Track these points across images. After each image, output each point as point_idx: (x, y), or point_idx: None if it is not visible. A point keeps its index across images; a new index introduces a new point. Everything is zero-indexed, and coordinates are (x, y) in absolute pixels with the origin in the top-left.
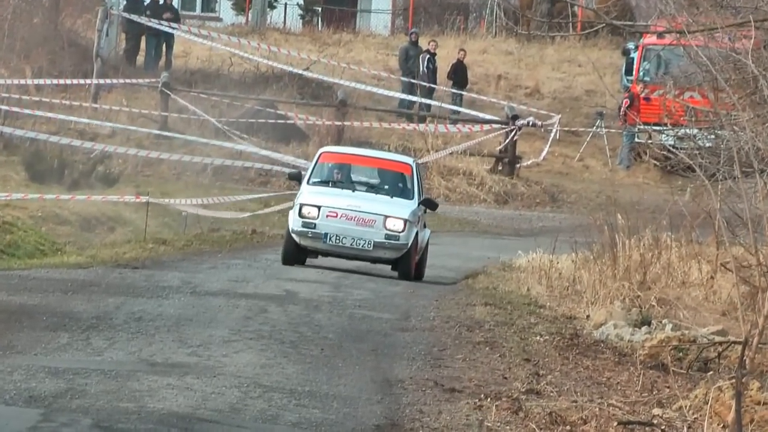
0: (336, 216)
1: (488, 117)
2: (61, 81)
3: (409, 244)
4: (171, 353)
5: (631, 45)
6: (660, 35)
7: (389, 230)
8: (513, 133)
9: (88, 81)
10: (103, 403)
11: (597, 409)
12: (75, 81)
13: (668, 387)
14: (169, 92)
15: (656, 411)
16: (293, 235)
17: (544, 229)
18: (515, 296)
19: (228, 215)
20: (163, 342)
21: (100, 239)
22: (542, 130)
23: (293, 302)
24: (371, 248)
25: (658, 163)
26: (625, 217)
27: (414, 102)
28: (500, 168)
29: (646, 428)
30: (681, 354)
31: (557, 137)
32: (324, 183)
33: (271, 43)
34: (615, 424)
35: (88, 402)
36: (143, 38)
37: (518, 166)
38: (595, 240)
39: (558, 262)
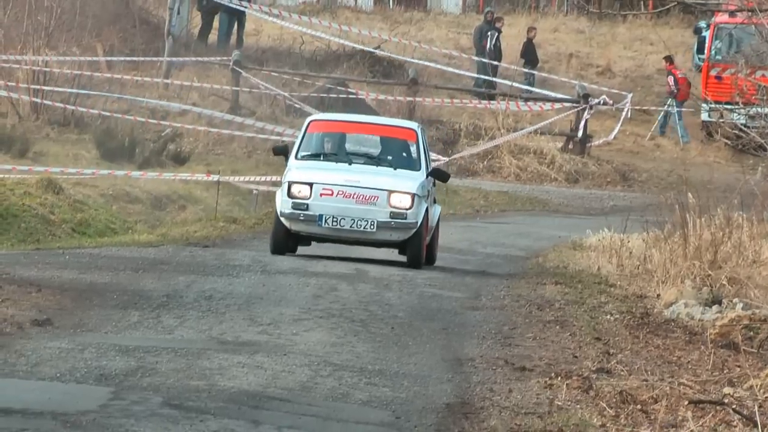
0: (332, 194)
1: (559, 96)
2: (133, 59)
3: (419, 223)
4: (241, 331)
5: (702, 24)
6: (732, 14)
7: (395, 207)
8: (584, 112)
9: (160, 59)
10: (173, 381)
11: (667, 388)
12: (146, 59)
13: (739, 366)
14: (240, 70)
15: (727, 390)
16: (282, 220)
17: (615, 208)
18: (585, 275)
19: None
20: (233, 320)
21: (171, 218)
22: (613, 109)
23: (363, 281)
24: (374, 229)
25: (729, 142)
26: (696, 196)
27: (490, 81)
28: (571, 147)
29: (717, 407)
30: (752, 333)
31: (629, 116)
32: (315, 156)
33: (342, 22)
34: (686, 403)
35: (158, 380)
36: (216, 17)
37: (589, 145)
38: (666, 219)
39: (628, 241)
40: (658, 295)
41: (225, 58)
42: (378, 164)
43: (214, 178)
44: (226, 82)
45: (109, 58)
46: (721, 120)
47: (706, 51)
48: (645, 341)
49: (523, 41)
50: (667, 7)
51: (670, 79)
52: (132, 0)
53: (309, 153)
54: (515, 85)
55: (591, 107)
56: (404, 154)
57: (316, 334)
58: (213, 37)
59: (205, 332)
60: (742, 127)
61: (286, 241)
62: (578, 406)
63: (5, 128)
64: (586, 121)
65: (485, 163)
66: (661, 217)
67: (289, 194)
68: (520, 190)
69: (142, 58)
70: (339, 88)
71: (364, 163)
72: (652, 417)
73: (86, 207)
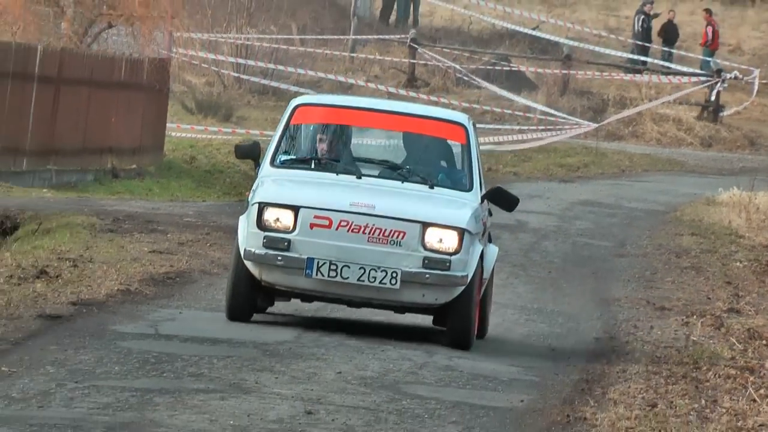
0: (329, 225)
1: (696, 71)
2: (323, 37)
3: (470, 277)
4: None
5: None
6: None
7: (432, 251)
8: (717, 85)
9: (346, 37)
10: (357, 317)
11: None
12: (334, 37)
13: None
14: (416, 46)
15: None
16: (248, 264)
17: (744, 169)
18: (718, 227)
19: None
20: None
21: None
22: (743, 82)
23: (523, 231)
24: (397, 285)
25: None
26: None
27: (644, 61)
28: (705, 116)
29: None
30: None
31: (756, 89)
32: (302, 163)
33: (506, 4)
34: None
35: (342, 316)
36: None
37: (721, 114)
38: None
39: (756, 198)
40: None
41: (403, 36)
42: (404, 179)
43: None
44: (404, 56)
45: (302, 36)
46: None
47: None
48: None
49: (663, 22)
50: None
51: (709, 30)
52: None
53: (293, 157)
54: (656, 62)
55: (723, 81)
56: (445, 164)
57: None
58: (392, 18)
59: None
60: None
61: (248, 299)
62: (711, 341)
63: (212, 96)
64: (719, 93)
65: (630, 129)
66: None
67: (260, 224)
68: (660, 152)
69: (330, 36)
70: (502, 62)
71: (381, 176)
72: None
73: None
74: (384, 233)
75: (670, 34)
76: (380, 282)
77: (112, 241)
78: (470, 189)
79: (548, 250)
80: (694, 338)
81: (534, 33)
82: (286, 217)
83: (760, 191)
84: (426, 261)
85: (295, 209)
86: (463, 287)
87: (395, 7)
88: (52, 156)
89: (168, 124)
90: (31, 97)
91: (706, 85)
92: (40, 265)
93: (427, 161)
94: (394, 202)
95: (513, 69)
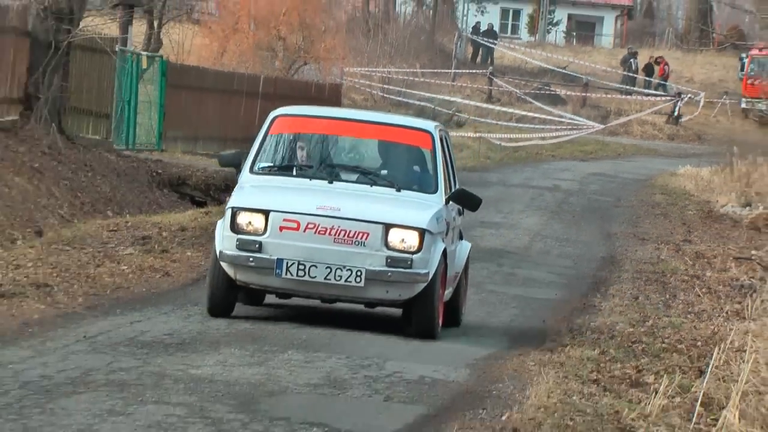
0: (297, 228)
1: (665, 93)
2: (435, 70)
3: (432, 274)
4: (491, 217)
5: (743, 55)
6: (760, 49)
7: (395, 250)
8: (678, 102)
9: (449, 71)
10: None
11: (722, 250)
12: (442, 71)
13: (761, 240)
14: (492, 77)
15: (754, 252)
16: (223, 265)
17: (694, 154)
18: (677, 190)
19: (524, 143)
20: (488, 211)
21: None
22: (693, 100)
23: (557, 191)
24: (362, 283)
25: (756, 120)
26: (740, 147)
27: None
28: (670, 121)
29: (747, 261)
30: None
31: (702, 104)
32: (279, 170)
33: (548, 52)
34: (731, 258)
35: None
36: (479, 49)
37: (681, 120)
38: (721, 161)
39: (701, 172)
40: (717, 201)
41: (484, 70)
42: (372, 182)
43: (478, 135)
44: (485, 84)
45: (422, 70)
46: (752, 107)
47: (745, 69)
48: (710, 225)
49: (645, 63)
50: (724, 46)
51: (665, 68)
52: (433, 37)
53: (270, 165)
54: (643, 90)
55: (681, 100)
56: (416, 168)
57: (532, 219)
58: (478, 59)
59: (473, 216)
60: (763, 112)
61: (228, 297)
62: (672, 259)
63: (367, 107)
64: (679, 107)
65: (623, 129)
66: (719, 159)
67: (234, 227)
68: (642, 143)
69: (440, 70)
70: (545, 88)
71: (354, 181)
72: (713, 266)
73: None
74: (349, 234)
75: (649, 71)
76: (346, 280)
77: None
78: (435, 191)
79: (572, 202)
80: (662, 257)
81: (564, 70)
82: (258, 221)
83: (703, 167)
84: (389, 260)
85: (266, 213)
86: (425, 284)
87: (480, 52)
88: None
89: None
90: (257, 108)
91: (670, 102)
92: None
93: (397, 166)
94: (358, 205)
95: (551, 92)
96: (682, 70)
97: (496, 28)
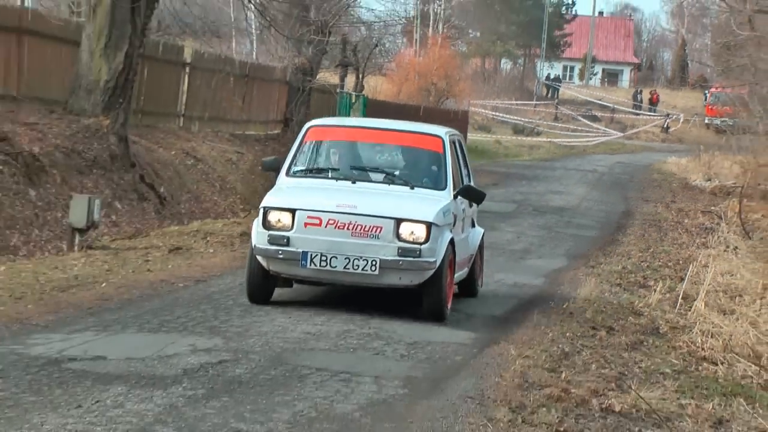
0: (319, 224)
1: (660, 114)
2: (522, 102)
3: (439, 262)
4: (556, 188)
5: (706, 91)
6: (716, 88)
7: (405, 242)
8: (666, 119)
9: (532, 102)
10: (535, 200)
11: (694, 206)
12: (528, 102)
13: (716, 201)
14: (558, 106)
15: (712, 208)
16: (258, 258)
17: (677, 151)
18: (667, 171)
19: (575, 145)
20: (555, 184)
21: (529, 152)
22: (675, 118)
23: (595, 172)
24: (377, 271)
25: (713, 130)
26: (704, 146)
27: (637, 111)
28: (663, 131)
29: (709, 212)
30: (722, 190)
31: (681, 121)
32: (311, 172)
33: (591, 89)
34: (700, 211)
35: (530, 199)
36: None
37: (669, 130)
38: (693, 153)
39: (681, 161)
40: (691, 178)
41: (553, 101)
42: (392, 182)
43: (549, 140)
44: (554, 109)
45: (513, 102)
46: (711, 122)
47: (707, 100)
48: (686, 192)
49: (649, 96)
50: (695, 86)
51: (656, 97)
52: (523, 82)
53: (303, 168)
54: (646, 113)
55: (669, 117)
56: (432, 169)
57: (581, 188)
58: (549, 94)
59: (545, 186)
60: (717, 126)
61: (266, 285)
62: (664, 212)
63: (482, 127)
64: (668, 122)
65: (635, 135)
66: (691, 153)
67: (265, 224)
68: (646, 144)
69: (526, 102)
70: (589, 111)
71: (374, 181)
72: (689, 216)
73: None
74: (364, 229)
75: (652, 101)
76: (363, 269)
77: None
78: (444, 188)
79: (604, 179)
80: (658, 211)
81: (599, 101)
82: (286, 218)
83: (682, 158)
84: (400, 250)
85: (293, 211)
86: (433, 271)
87: (550, 91)
88: None
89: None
90: None
91: (663, 118)
92: None
93: (415, 167)
94: (373, 203)
95: (592, 114)
96: (670, 101)
97: (560, 76)
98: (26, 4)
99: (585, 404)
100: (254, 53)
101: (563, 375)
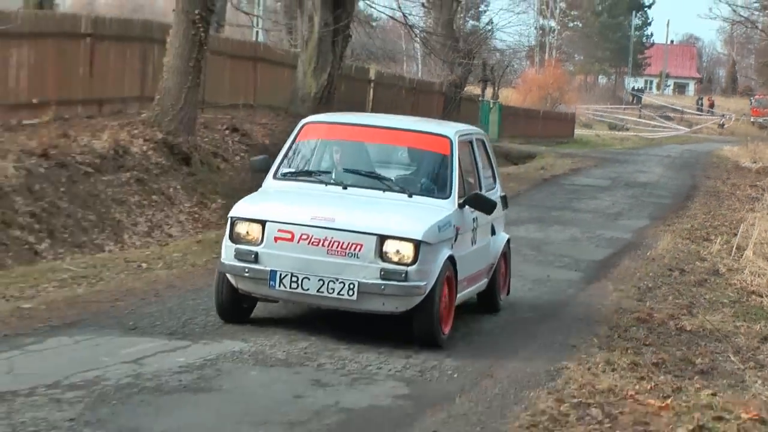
0: (291, 238)
1: (718, 114)
2: (613, 106)
3: (430, 286)
4: (641, 168)
5: (752, 98)
6: (757, 96)
7: (389, 262)
8: (723, 118)
9: (621, 106)
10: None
11: (743, 182)
12: (616, 106)
13: (761, 178)
14: (641, 109)
15: (758, 183)
16: (227, 275)
17: (730, 141)
18: (723, 157)
19: (655, 137)
20: (636, 166)
21: (620, 143)
22: (728, 117)
23: (669, 157)
24: (354, 296)
25: (758, 126)
26: (750, 137)
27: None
28: (720, 127)
29: (756, 186)
30: (765, 170)
31: (733, 120)
32: (299, 175)
33: (668, 96)
34: (748, 185)
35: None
36: None
37: (724, 127)
38: (742, 144)
39: (734, 148)
40: (741, 161)
41: (637, 106)
42: (387, 189)
43: (635, 134)
44: (638, 111)
45: (610, 106)
46: (756, 120)
47: (752, 103)
48: (738, 172)
49: (707, 102)
50: (743, 94)
51: (713, 101)
52: (615, 92)
53: (292, 170)
54: (705, 114)
55: (724, 117)
56: (435, 174)
57: (658, 169)
58: (633, 100)
59: (633, 168)
60: (760, 123)
61: (232, 303)
62: (721, 185)
63: (587, 123)
64: (723, 121)
65: (699, 130)
66: (741, 143)
67: (232, 236)
68: (707, 137)
69: (615, 105)
70: (666, 112)
71: (369, 188)
72: (740, 188)
73: None
74: (342, 246)
75: (712, 105)
76: (338, 293)
77: None
78: (448, 196)
79: (676, 162)
80: (716, 185)
81: (672, 106)
82: (255, 230)
83: (734, 147)
84: (383, 272)
85: (262, 223)
86: (422, 297)
87: (635, 99)
88: None
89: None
90: (539, 124)
91: (720, 117)
92: None
93: (419, 171)
94: (355, 215)
95: (667, 115)
96: (724, 105)
97: (642, 88)
98: (259, 38)
99: (664, 325)
100: (419, 72)
101: (647, 303)
